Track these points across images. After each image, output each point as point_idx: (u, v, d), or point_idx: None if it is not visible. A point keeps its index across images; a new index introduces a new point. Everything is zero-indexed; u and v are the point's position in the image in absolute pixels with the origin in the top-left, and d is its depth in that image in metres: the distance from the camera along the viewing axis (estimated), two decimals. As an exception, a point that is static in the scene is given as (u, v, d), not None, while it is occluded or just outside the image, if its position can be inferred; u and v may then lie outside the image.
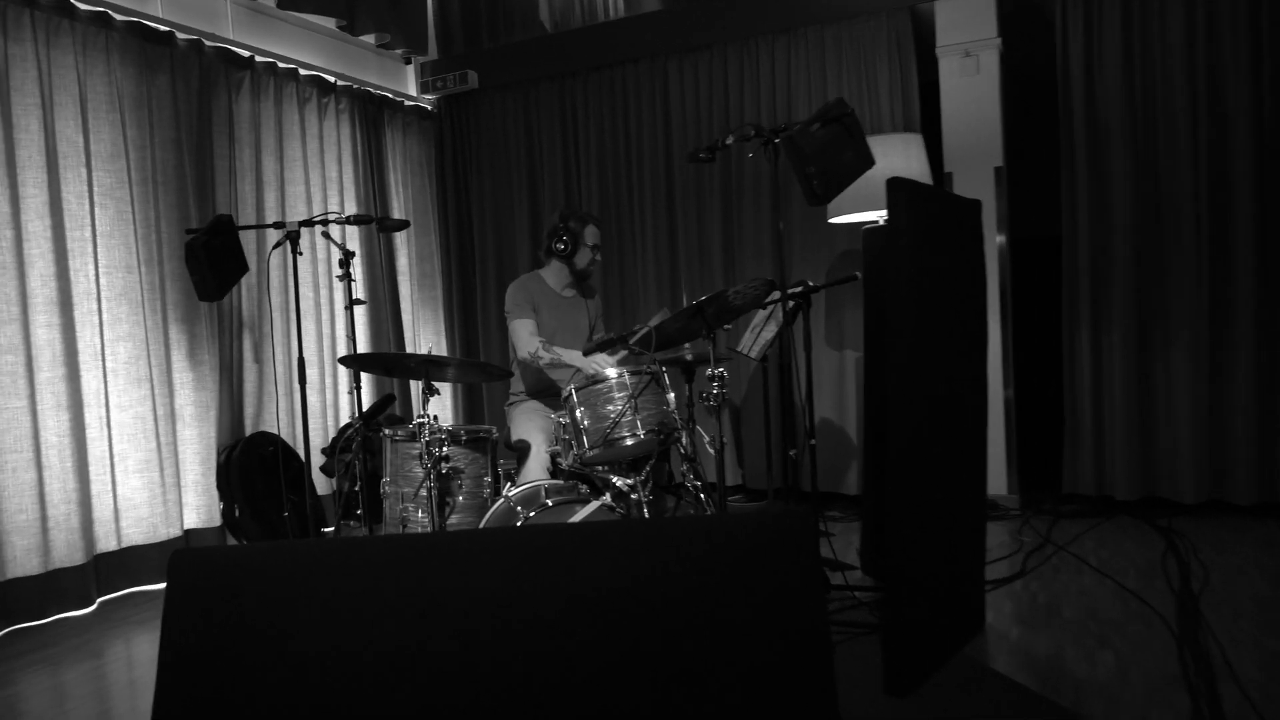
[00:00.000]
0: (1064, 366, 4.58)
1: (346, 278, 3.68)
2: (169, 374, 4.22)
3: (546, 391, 3.76)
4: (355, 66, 5.44)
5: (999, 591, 3.36)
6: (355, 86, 5.40)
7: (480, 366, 3.22)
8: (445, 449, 3.06)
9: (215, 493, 4.36)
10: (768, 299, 3.33)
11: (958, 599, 2.86)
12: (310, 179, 5.03)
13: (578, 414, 3.03)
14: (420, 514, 3.12)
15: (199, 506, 4.32)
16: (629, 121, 5.45)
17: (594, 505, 2.75)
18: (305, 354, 4.86)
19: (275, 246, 3.29)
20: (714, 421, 3.15)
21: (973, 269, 2.82)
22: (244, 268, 3.34)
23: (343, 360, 3.20)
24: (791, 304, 3.37)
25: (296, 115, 4.98)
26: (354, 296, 3.73)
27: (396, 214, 5.69)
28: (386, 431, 3.30)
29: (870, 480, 3.58)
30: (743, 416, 5.22)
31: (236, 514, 4.33)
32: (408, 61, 5.89)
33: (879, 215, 3.90)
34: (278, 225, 3.26)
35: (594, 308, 3.97)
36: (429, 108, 6.01)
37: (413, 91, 5.92)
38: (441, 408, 5.89)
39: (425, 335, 5.88)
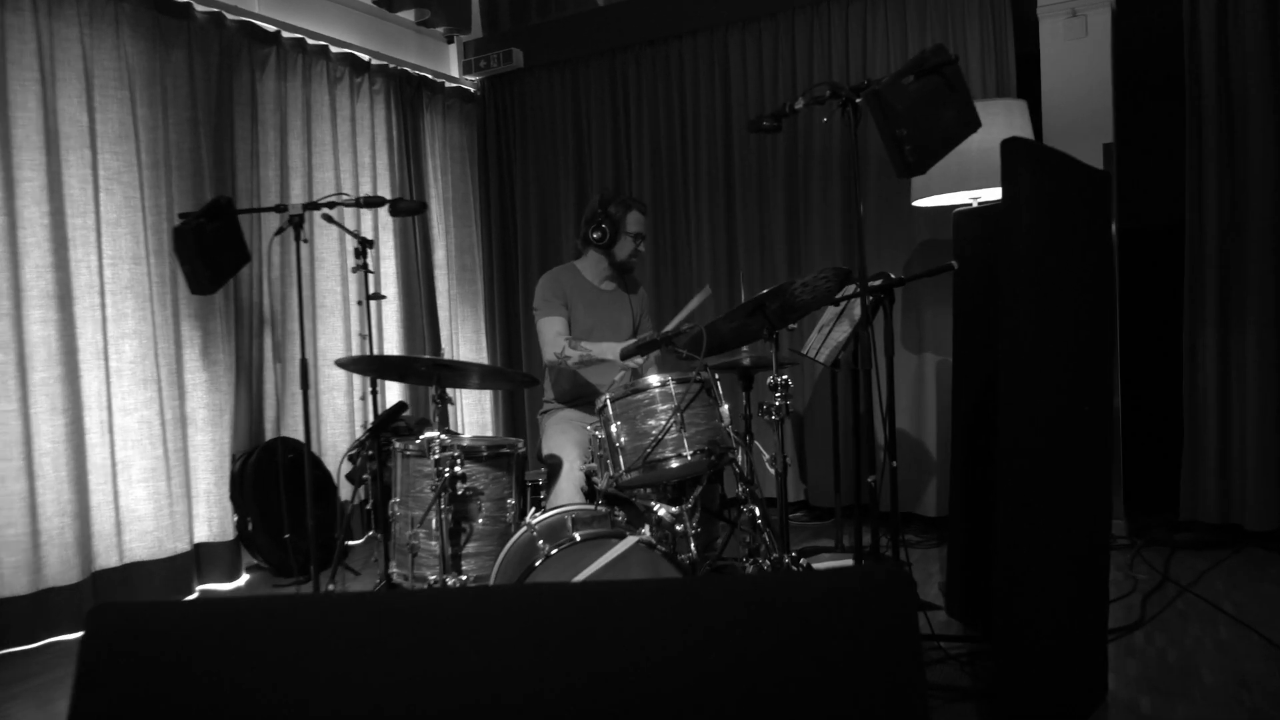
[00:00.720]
0: (1183, 372, 3.96)
1: (363, 269, 3.29)
2: (179, 374, 3.88)
3: (582, 398, 3.31)
4: (392, 45, 5.06)
5: (1117, 644, 2.80)
6: (392, 66, 5.02)
7: (500, 373, 2.78)
8: (461, 467, 2.62)
9: (230, 504, 4.02)
10: (840, 293, 2.83)
11: (1077, 658, 2.32)
12: (340, 164, 4.67)
13: (613, 429, 2.56)
14: (432, 541, 2.70)
15: (211, 519, 3.98)
16: (684, 100, 4.97)
17: (629, 543, 2.28)
18: (332, 352, 4.52)
19: (277, 233, 2.91)
20: (775, 438, 2.66)
21: (1100, 256, 2.28)
22: (244, 257, 2.97)
23: (340, 363, 2.80)
24: (870, 300, 2.86)
25: (327, 96, 4.62)
26: (372, 290, 3.34)
27: (435, 204, 5.31)
28: (397, 445, 2.88)
29: (960, 506, 3.04)
30: (806, 425, 4.71)
31: (249, 528, 3.98)
32: (450, 40, 5.50)
33: (971, 197, 3.36)
34: (279, 208, 2.87)
35: (639, 303, 3.50)
36: (471, 89, 5.61)
37: (454, 72, 5.53)
38: (480, 413, 5.49)
39: (464, 334, 5.49)
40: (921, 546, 4.10)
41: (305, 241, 2.84)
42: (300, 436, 4.37)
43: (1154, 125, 4.34)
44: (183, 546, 3.83)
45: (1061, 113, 4.07)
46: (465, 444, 2.83)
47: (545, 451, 3.18)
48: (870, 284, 2.89)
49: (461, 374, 2.77)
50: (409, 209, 3.04)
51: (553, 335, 3.24)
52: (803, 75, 4.62)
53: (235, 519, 4.03)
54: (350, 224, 4.64)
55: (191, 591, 3.87)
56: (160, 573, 3.73)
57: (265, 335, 4.28)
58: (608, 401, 2.59)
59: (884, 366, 2.75)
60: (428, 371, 2.58)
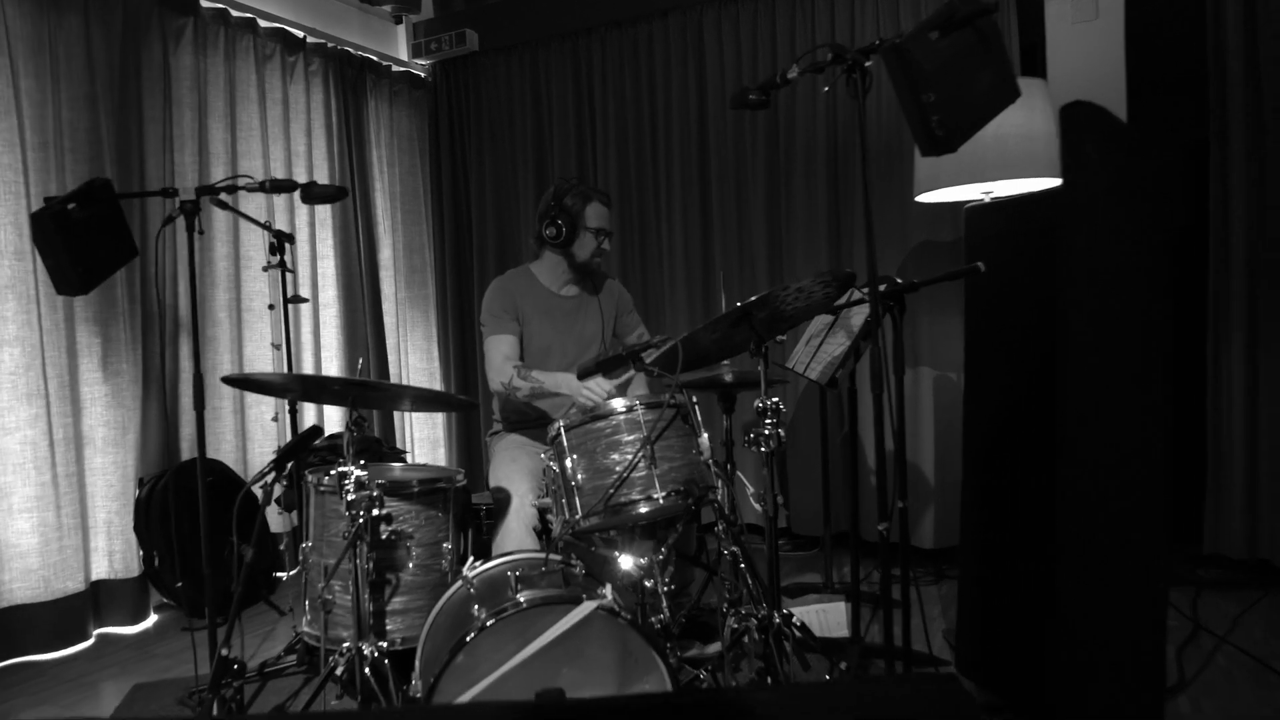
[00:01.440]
0: (1206, 391, 3.59)
1: (280, 267, 2.80)
2: (73, 387, 3.37)
3: (532, 420, 2.86)
4: (332, 22, 4.57)
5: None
6: (331, 45, 4.53)
7: (437, 397, 2.33)
8: (381, 508, 2.15)
9: (134, 535, 3.50)
10: (840, 301, 2.40)
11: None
12: (271, 153, 4.17)
13: (568, 464, 2.11)
14: (349, 596, 2.22)
15: (113, 552, 3.47)
16: (655, 86, 4.53)
17: (584, 610, 1.83)
18: (259, 362, 4.02)
19: (165, 224, 2.41)
20: (763, 470, 2.23)
21: (1162, 250, 1.87)
22: (129, 251, 2.47)
23: (228, 380, 2.32)
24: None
25: (254, 75, 4.12)
26: (292, 292, 2.86)
27: (380, 198, 4.82)
28: (310, 478, 2.41)
29: (975, 548, 2.62)
30: (790, 446, 4.28)
31: (157, 563, 3.46)
32: (398, 20, 5.02)
33: (983, 191, 2.95)
34: (168, 192, 2.37)
35: (610, 303, 3.04)
36: (421, 74, 5.13)
37: (403, 55, 5.05)
38: (431, 429, 5.01)
39: (414, 341, 5.00)
40: (918, 583, 3.69)
41: (200, 233, 2.35)
42: (232, 456, 3.90)
43: (1173, 118, 3.97)
44: (76, 586, 3.31)
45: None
46: (393, 478, 2.37)
47: (492, 483, 2.72)
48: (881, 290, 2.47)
49: (388, 396, 2.30)
50: (324, 195, 2.56)
51: (500, 360, 2.80)
52: (784, 58, 4.21)
53: (140, 552, 3.52)
54: (282, 216, 4.14)
55: (87, 637, 3.35)
56: (46, 617, 3.22)
57: (181, 342, 3.76)
58: (561, 430, 2.13)
59: (894, 385, 2.32)
60: (341, 392, 2.11)
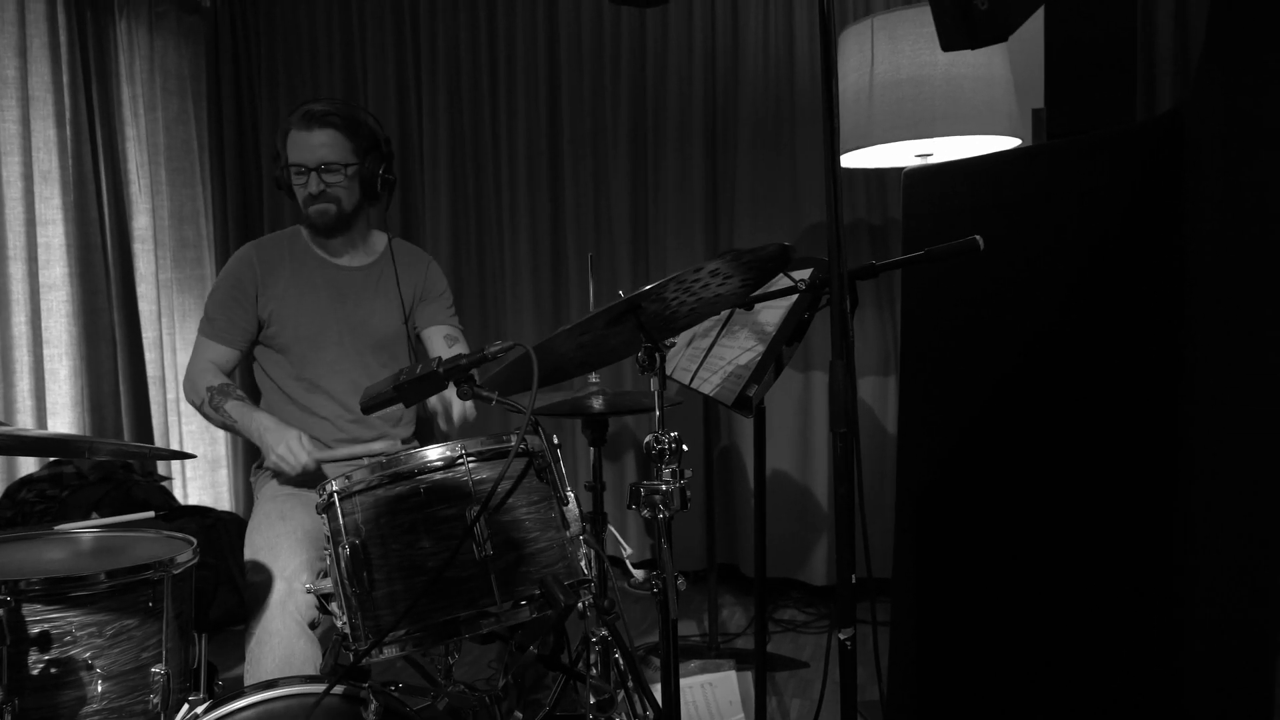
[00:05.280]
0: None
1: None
2: None
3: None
4: (62, -89, 3.45)
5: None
6: (61, -56, 3.42)
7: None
8: (27, 620, 1.26)
9: None
10: (764, 288, 1.70)
11: None
12: (-39, 76, 3.05)
13: (355, 546, 1.29)
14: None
15: None
16: (495, 21, 3.70)
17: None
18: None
19: None
20: (659, 546, 1.48)
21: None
22: None
23: None
24: (820, 299, 1.76)
25: (-67, -34, 2.99)
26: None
27: (133, 150, 3.72)
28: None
29: (918, 593, 2.00)
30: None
31: None
32: (163, -76, 3.93)
33: (918, 153, 2.33)
34: None
35: (409, 284, 2.20)
36: (197, -3, 4.07)
37: (170, -31, 3.96)
38: (211, 456, 3.96)
39: (184, 335, 3.93)
40: (810, 629, 3.07)
41: None
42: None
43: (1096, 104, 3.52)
44: None
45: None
46: (52, 569, 1.47)
47: (248, 553, 1.83)
48: (802, 275, 1.79)
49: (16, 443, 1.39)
50: None
51: (200, 367, 2.04)
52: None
53: None
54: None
55: None
56: None
57: None
58: (335, 497, 1.30)
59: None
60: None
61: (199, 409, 2.01)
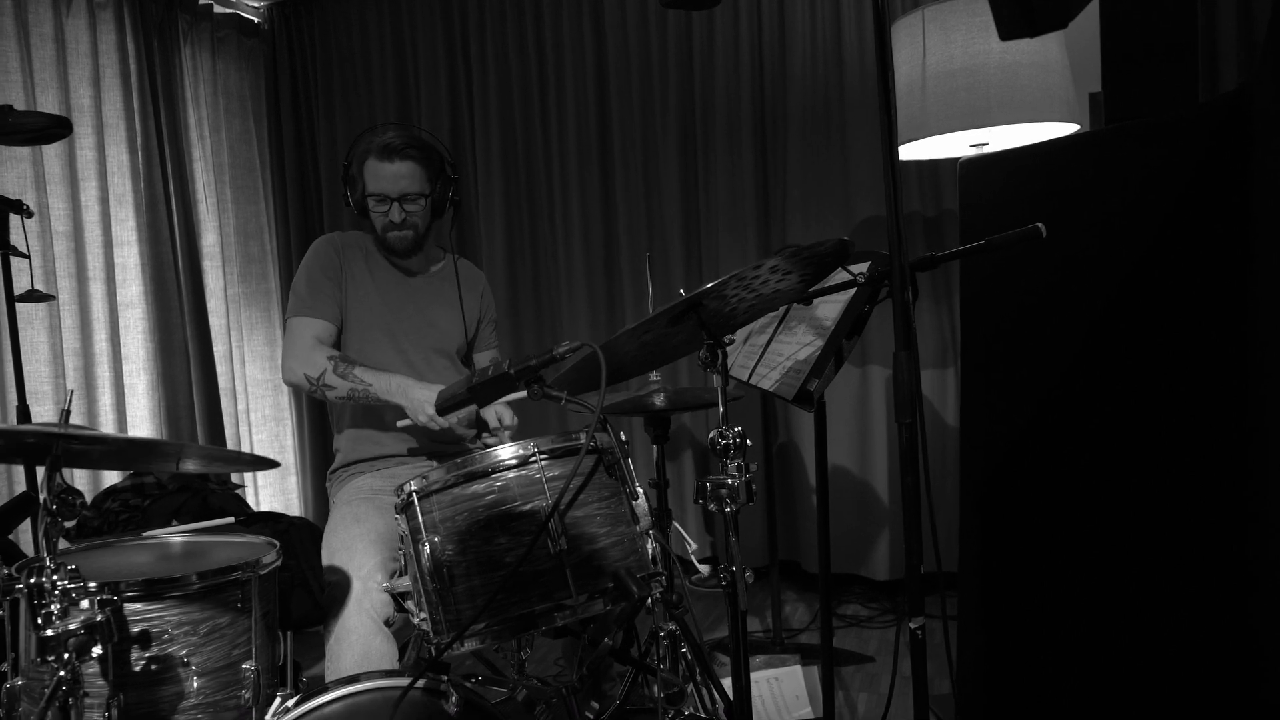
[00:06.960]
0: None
1: (2, 250, 1.91)
2: None
3: (390, 450, 2.08)
4: (128, -56, 3.60)
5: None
6: (128, -26, 3.56)
7: (221, 455, 1.52)
8: (116, 621, 1.33)
9: None
10: (821, 284, 1.72)
11: None
12: (40, 104, 3.19)
13: (435, 545, 1.34)
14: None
15: None
16: (543, 33, 3.75)
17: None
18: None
19: None
20: (725, 537, 1.50)
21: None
22: None
23: None
24: (878, 293, 1.76)
25: (10, 6, 3.13)
26: (27, 287, 1.97)
27: (200, 170, 3.86)
28: (17, 580, 1.54)
29: (976, 577, 1.99)
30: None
31: None
32: (223, -48, 4.07)
33: (973, 143, 2.32)
34: None
35: (473, 302, 2.27)
36: (254, 19, 4.20)
37: (229, -6, 4.11)
38: (282, 469, 4.08)
39: (253, 347, 4.07)
40: (874, 624, 3.06)
41: None
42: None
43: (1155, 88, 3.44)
44: None
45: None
46: (145, 570, 1.54)
47: (325, 556, 1.90)
48: (865, 268, 1.80)
49: (110, 452, 1.47)
50: (23, 128, 1.67)
51: (308, 345, 2.04)
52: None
53: None
54: (58, 189, 3.18)
55: None
56: None
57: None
58: (414, 496, 1.35)
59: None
60: (37, 445, 1.27)
61: (315, 384, 1.99)
